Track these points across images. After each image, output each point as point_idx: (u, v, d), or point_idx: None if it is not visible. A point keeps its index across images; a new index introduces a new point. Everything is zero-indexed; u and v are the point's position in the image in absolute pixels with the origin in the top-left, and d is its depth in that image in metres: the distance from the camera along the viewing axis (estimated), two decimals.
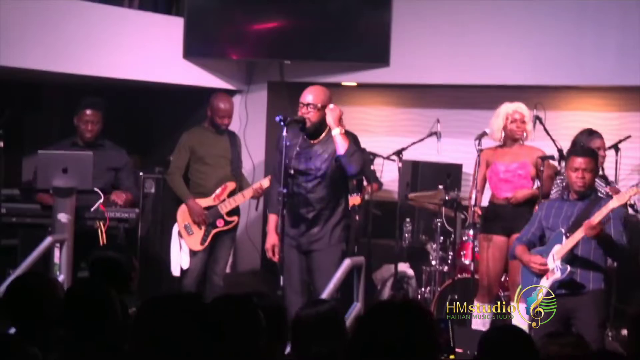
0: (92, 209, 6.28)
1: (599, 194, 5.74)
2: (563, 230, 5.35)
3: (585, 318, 5.29)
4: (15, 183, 7.10)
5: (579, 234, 5.25)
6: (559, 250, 5.34)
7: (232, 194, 6.99)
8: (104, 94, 8.08)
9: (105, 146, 6.70)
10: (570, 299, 5.34)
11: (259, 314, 3.23)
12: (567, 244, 5.31)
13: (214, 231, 6.94)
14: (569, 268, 5.29)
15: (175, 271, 6.93)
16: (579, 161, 5.40)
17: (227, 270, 8.40)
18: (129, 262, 4.46)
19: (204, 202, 6.93)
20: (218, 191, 6.96)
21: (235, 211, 7.02)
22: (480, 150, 6.40)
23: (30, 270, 5.28)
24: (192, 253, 6.92)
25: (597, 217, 5.18)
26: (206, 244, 6.92)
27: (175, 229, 6.94)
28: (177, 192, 6.98)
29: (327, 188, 5.81)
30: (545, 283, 5.37)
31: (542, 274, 5.40)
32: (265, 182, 7.03)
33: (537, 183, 6.49)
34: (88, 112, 6.60)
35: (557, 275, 5.32)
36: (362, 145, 6.17)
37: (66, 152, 6.36)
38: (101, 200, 6.30)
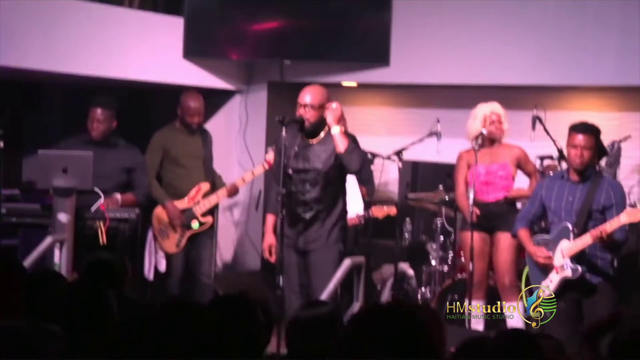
0: (92, 209, 6.28)
1: None
2: (570, 227, 5.32)
3: (596, 310, 5.28)
4: (15, 183, 7.10)
5: (587, 239, 5.23)
6: (568, 249, 5.31)
7: (206, 194, 6.97)
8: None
9: (119, 145, 6.71)
10: (580, 294, 5.35)
11: (258, 313, 3.23)
12: (576, 245, 5.28)
13: (188, 233, 6.92)
14: (579, 269, 5.28)
15: (149, 275, 6.91)
16: (579, 138, 5.30)
17: (227, 270, 8.41)
18: (122, 264, 4.45)
19: (179, 204, 6.91)
20: (192, 193, 6.93)
21: (209, 211, 7.00)
22: (478, 151, 6.40)
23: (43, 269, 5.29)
24: (168, 256, 6.90)
25: (606, 229, 5.14)
26: (182, 246, 6.91)
27: (150, 233, 6.92)
28: (153, 195, 6.92)
29: (325, 188, 5.79)
30: (555, 278, 5.35)
31: (546, 266, 5.39)
32: (240, 182, 7.04)
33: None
34: (98, 110, 6.60)
35: (568, 273, 5.31)
36: (362, 145, 6.16)
37: (66, 152, 6.36)
38: (101, 200, 6.30)
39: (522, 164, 6.49)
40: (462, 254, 6.93)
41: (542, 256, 5.38)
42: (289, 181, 5.77)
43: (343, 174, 5.86)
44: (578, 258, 5.31)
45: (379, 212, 6.82)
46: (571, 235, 5.30)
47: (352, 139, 5.82)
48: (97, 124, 6.60)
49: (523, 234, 5.58)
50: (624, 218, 5.12)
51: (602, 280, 5.34)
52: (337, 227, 5.84)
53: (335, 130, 5.71)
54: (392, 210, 6.82)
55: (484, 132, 6.45)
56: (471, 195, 6.31)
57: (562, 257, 5.32)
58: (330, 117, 5.72)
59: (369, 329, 2.61)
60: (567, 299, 5.36)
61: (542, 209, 5.53)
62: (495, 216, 6.44)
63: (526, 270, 5.63)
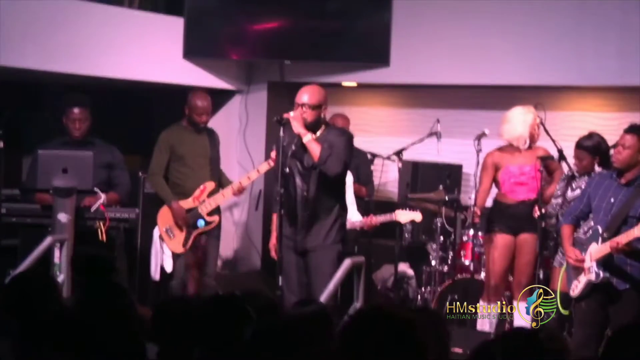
0: (92, 209, 6.27)
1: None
2: (600, 230, 5.28)
3: (619, 319, 5.22)
4: (16, 183, 7.10)
5: (607, 247, 5.19)
6: (594, 252, 5.29)
7: (211, 194, 6.97)
8: (105, 94, 8.10)
9: (95, 144, 6.68)
10: (606, 298, 5.30)
11: (249, 313, 3.24)
12: (600, 250, 5.25)
13: (195, 233, 6.91)
14: (602, 274, 5.25)
15: (156, 275, 6.90)
16: (623, 137, 5.31)
17: (227, 270, 8.42)
18: (107, 259, 4.42)
19: (184, 204, 6.89)
20: (197, 192, 6.92)
21: (215, 211, 7.00)
22: (480, 151, 6.39)
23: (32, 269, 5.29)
24: (175, 256, 6.90)
25: (621, 240, 5.10)
26: (188, 245, 6.90)
27: (156, 233, 6.91)
28: (159, 194, 6.92)
29: (323, 188, 5.77)
30: (582, 279, 5.35)
31: (577, 266, 5.37)
32: (245, 181, 7.03)
33: None
34: (75, 110, 6.59)
35: (592, 277, 5.30)
36: (362, 145, 6.15)
37: (66, 152, 6.35)
38: (101, 200, 6.30)
39: (547, 162, 6.42)
40: (463, 255, 6.92)
41: (573, 259, 5.36)
42: (287, 181, 5.76)
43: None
44: (607, 263, 5.24)
45: (403, 217, 6.66)
46: (600, 239, 5.27)
47: (346, 139, 5.77)
48: (79, 123, 6.59)
49: (565, 230, 5.54)
50: (638, 231, 5.05)
51: (629, 288, 5.24)
52: (335, 227, 5.81)
53: (306, 139, 5.64)
54: (417, 217, 6.69)
55: (486, 132, 6.45)
56: (472, 196, 6.30)
57: (590, 259, 5.30)
58: (295, 126, 5.66)
59: (363, 336, 2.64)
60: (591, 301, 5.32)
61: (589, 205, 5.46)
62: (522, 217, 6.40)
63: (564, 267, 5.62)
